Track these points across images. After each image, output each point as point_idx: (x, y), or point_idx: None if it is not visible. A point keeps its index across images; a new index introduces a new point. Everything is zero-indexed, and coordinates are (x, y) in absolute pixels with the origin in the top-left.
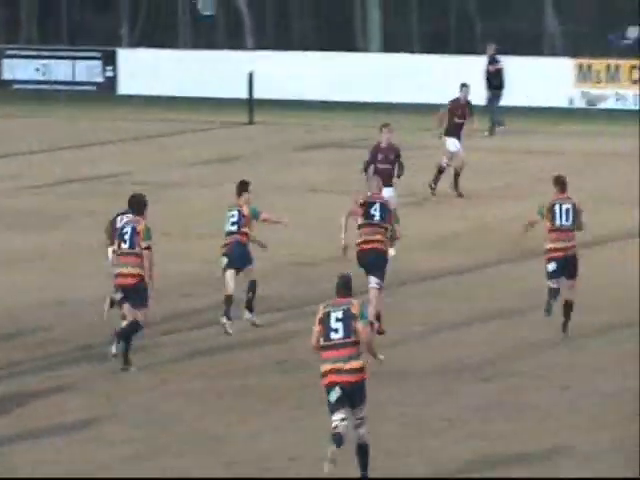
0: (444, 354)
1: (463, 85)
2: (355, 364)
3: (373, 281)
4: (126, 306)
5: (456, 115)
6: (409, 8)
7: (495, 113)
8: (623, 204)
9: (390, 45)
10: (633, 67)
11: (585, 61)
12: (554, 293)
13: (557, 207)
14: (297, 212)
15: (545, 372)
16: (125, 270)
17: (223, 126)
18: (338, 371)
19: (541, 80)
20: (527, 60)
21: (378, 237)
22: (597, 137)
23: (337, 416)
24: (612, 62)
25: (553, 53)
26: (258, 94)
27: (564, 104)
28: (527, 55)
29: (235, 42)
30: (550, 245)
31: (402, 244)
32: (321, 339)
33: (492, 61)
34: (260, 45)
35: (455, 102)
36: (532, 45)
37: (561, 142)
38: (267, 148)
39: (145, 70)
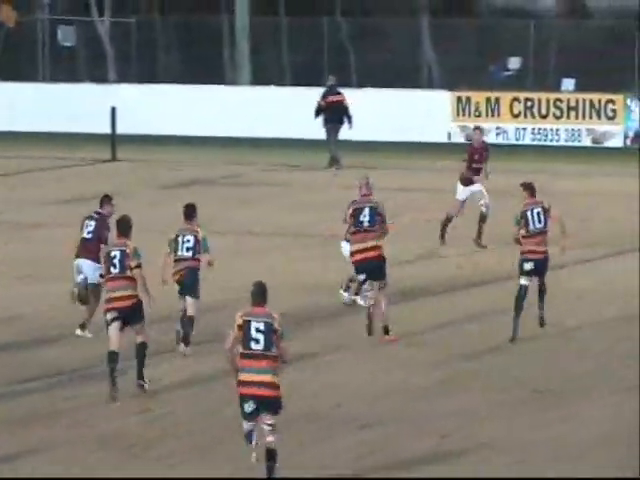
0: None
1: (476, 127)
2: (272, 378)
3: (376, 285)
4: (116, 329)
5: (474, 160)
6: (279, 39)
7: (332, 148)
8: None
9: (260, 78)
10: (515, 100)
11: (464, 93)
12: (524, 291)
13: (529, 212)
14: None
15: (424, 419)
16: (119, 294)
17: (84, 163)
18: (254, 383)
19: (418, 114)
20: (403, 93)
21: (370, 244)
22: None
23: (248, 425)
24: (492, 94)
25: (430, 85)
26: (121, 129)
27: (442, 139)
28: (404, 88)
29: (97, 74)
30: (528, 248)
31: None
32: (239, 346)
33: (330, 92)
34: (123, 78)
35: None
36: (409, 77)
37: (439, 179)
38: (131, 186)
39: (2, 105)
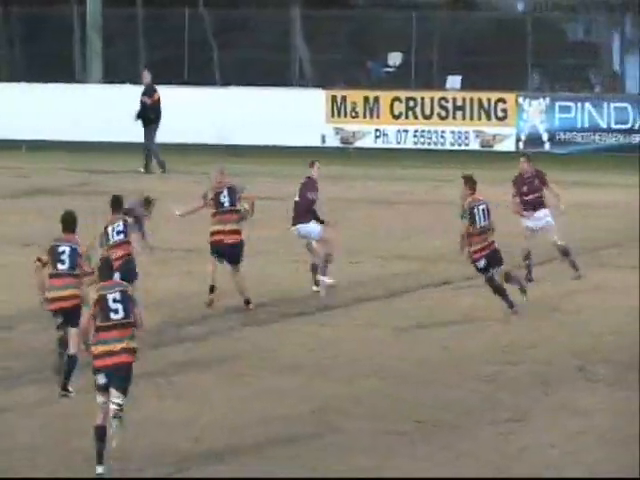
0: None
1: (523, 154)
2: (131, 344)
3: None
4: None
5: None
6: (135, 32)
7: (154, 150)
8: (381, 257)
9: (113, 75)
10: (395, 99)
11: (339, 92)
12: (492, 278)
13: (475, 209)
14: (2, 269)
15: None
16: (64, 293)
17: None
18: (111, 353)
19: (290, 114)
20: (273, 91)
21: (229, 227)
22: (353, 181)
23: (100, 399)
24: (371, 93)
25: (303, 84)
26: None
27: (316, 142)
28: (273, 86)
29: None
30: (475, 247)
31: None
32: (97, 320)
33: (149, 91)
34: None
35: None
36: (279, 75)
37: None
38: None
39: None
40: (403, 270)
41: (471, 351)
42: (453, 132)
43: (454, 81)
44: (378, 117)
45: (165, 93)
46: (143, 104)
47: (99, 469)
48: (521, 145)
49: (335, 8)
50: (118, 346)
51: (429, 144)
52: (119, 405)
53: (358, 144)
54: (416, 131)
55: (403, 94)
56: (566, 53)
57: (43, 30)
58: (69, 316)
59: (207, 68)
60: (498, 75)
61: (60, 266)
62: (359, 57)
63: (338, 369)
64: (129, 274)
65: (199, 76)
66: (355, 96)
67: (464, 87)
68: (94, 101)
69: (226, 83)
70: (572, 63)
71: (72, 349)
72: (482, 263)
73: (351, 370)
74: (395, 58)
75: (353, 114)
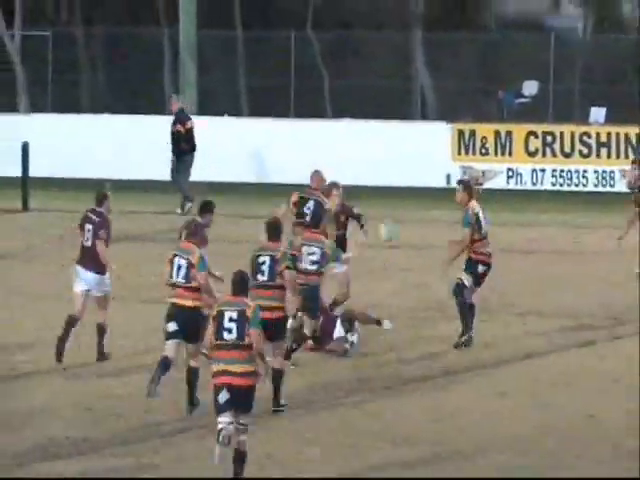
0: None
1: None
2: (245, 368)
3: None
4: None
5: None
6: (233, 59)
7: (182, 186)
8: None
9: (208, 107)
10: (531, 134)
11: (466, 126)
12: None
13: (480, 214)
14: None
15: None
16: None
17: None
18: (228, 372)
19: (409, 151)
20: (390, 125)
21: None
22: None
23: (223, 418)
24: (502, 127)
25: (424, 116)
26: (35, 171)
27: (440, 183)
28: (390, 119)
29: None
30: (482, 250)
31: None
32: (213, 338)
33: (181, 119)
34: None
35: None
36: (396, 106)
37: (435, 232)
38: (44, 243)
39: None
40: (540, 329)
41: (620, 421)
42: (597, 172)
43: (598, 113)
44: (511, 154)
45: (268, 127)
46: (175, 134)
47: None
48: None
49: (462, 30)
50: (233, 368)
51: (569, 185)
52: (243, 425)
53: (488, 185)
54: (554, 170)
55: (539, 128)
56: None
57: (130, 54)
58: (274, 329)
59: (316, 98)
60: None
61: (260, 277)
62: (489, 86)
63: (463, 442)
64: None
65: (307, 107)
66: (485, 130)
67: (609, 120)
68: None
69: (338, 115)
70: None
71: (276, 364)
72: (482, 268)
73: (480, 444)
74: (531, 87)
75: (482, 151)
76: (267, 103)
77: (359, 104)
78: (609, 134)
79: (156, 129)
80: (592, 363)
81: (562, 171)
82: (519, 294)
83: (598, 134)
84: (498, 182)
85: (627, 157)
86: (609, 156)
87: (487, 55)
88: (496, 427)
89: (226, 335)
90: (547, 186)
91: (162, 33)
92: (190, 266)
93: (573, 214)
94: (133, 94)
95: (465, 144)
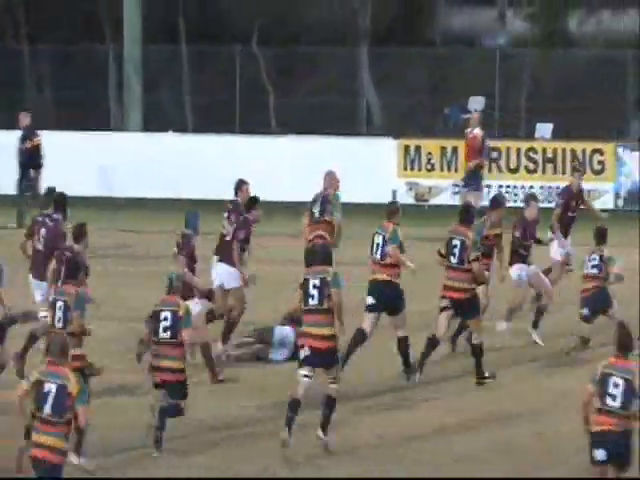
0: None
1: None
2: (326, 331)
3: None
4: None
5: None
6: (179, 75)
7: (22, 200)
8: None
9: (153, 123)
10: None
11: (412, 142)
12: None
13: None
14: None
15: None
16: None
17: None
18: (311, 335)
19: (355, 167)
20: (336, 141)
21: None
22: (429, 243)
23: (303, 371)
24: (448, 143)
25: (370, 132)
26: None
27: (385, 199)
28: (335, 135)
29: None
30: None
31: None
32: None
33: (29, 135)
34: None
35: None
36: (342, 122)
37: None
38: None
39: None
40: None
41: (569, 438)
42: (542, 187)
43: (544, 129)
44: (457, 170)
45: (213, 142)
46: (22, 151)
47: (283, 434)
48: (620, 203)
49: (409, 46)
50: (316, 331)
51: (515, 201)
52: (333, 378)
53: (434, 201)
54: (500, 186)
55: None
56: None
57: (75, 71)
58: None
59: (261, 114)
60: (595, 122)
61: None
62: (435, 101)
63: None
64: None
65: (252, 123)
66: (431, 146)
67: (555, 136)
68: (132, 152)
69: (283, 131)
70: None
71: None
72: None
73: (434, 460)
74: (477, 103)
75: (428, 167)
76: (212, 119)
77: (304, 120)
78: (555, 150)
79: (100, 146)
80: (541, 381)
81: (508, 187)
82: None
83: (544, 150)
84: (444, 198)
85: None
86: (555, 172)
87: (433, 70)
88: (451, 444)
89: (310, 301)
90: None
91: (107, 49)
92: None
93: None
94: (79, 111)
95: (411, 160)
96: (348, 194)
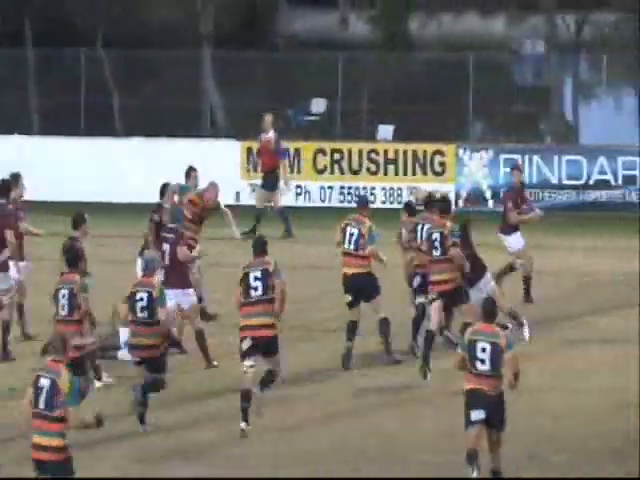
0: None
1: (514, 168)
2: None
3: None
4: None
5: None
6: (24, 78)
7: None
8: None
9: None
10: (319, 151)
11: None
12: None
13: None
14: None
15: None
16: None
17: None
18: (252, 326)
19: (199, 169)
20: (181, 143)
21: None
22: (270, 245)
23: (248, 362)
24: (291, 145)
25: (214, 134)
26: None
27: (229, 200)
28: (180, 137)
29: None
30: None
31: None
32: (241, 297)
33: None
34: None
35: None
36: (186, 124)
37: (230, 249)
38: None
39: None
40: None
41: (412, 437)
42: (384, 189)
43: (386, 131)
44: (299, 172)
45: (58, 145)
46: None
47: (242, 425)
48: (461, 203)
49: (251, 49)
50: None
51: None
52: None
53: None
54: (342, 187)
55: (328, 145)
56: (512, 99)
57: None
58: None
59: (106, 116)
60: (435, 124)
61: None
62: (278, 104)
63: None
64: None
65: (97, 126)
66: None
67: (397, 138)
68: None
69: (128, 133)
70: (519, 110)
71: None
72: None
73: (277, 460)
74: (319, 105)
75: None
76: (58, 122)
77: (150, 122)
78: (397, 151)
79: None
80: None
81: (350, 188)
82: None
83: (386, 151)
84: (287, 199)
85: (415, 174)
86: (397, 173)
87: (276, 73)
88: (293, 442)
89: (252, 293)
90: (335, 203)
91: None
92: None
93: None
94: None
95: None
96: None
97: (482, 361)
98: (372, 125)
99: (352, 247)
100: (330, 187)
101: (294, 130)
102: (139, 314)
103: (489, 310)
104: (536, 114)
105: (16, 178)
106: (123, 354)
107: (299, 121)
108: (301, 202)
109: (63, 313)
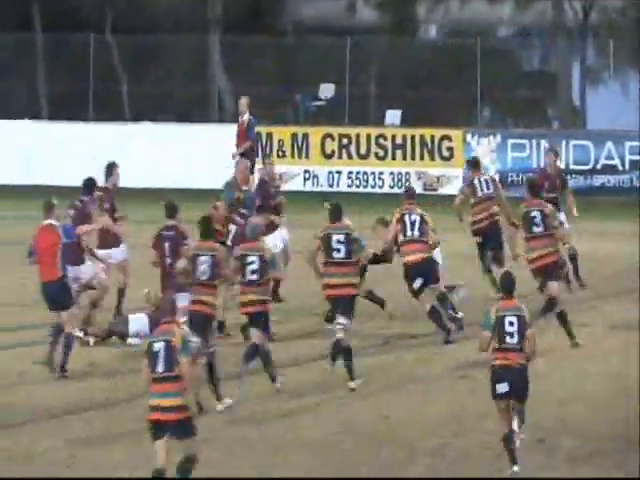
0: None
1: (550, 150)
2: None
3: None
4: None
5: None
6: (33, 62)
7: None
8: None
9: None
10: (327, 136)
11: (264, 129)
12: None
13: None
14: None
15: None
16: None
17: None
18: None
19: (207, 154)
20: (188, 128)
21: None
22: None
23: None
24: (299, 130)
25: (222, 119)
26: None
27: None
28: (188, 122)
29: None
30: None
31: None
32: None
33: None
34: None
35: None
36: (195, 109)
37: None
38: None
39: None
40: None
41: (416, 423)
42: (392, 174)
43: (393, 116)
44: (308, 157)
45: (67, 130)
46: None
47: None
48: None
49: (259, 34)
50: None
51: (365, 187)
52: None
53: (285, 187)
54: (350, 172)
55: (336, 131)
56: (520, 84)
57: None
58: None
59: (115, 102)
60: (443, 109)
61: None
62: (286, 89)
63: (264, 444)
64: None
65: (106, 111)
66: (282, 133)
67: (405, 123)
68: None
69: (136, 118)
70: (527, 95)
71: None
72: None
73: (281, 446)
74: (327, 90)
75: (280, 153)
76: (66, 106)
77: (158, 107)
78: (404, 136)
79: None
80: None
81: (358, 173)
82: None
83: (394, 136)
84: (295, 184)
85: (422, 159)
86: (404, 158)
87: (284, 59)
88: (296, 429)
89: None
90: (343, 188)
91: None
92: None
93: (367, 215)
94: None
95: (262, 147)
96: (199, 180)
97: (511, 335)
98: (380, 110)
99: (417, 234)
100: (338, 172)
101: (302, 116)
102: (249, 276)
103: (508, 286)
104: (543, 99)
105: (111, 167)
106: (133, 341)
107: (307, 107)
108: (309, 187)
109: (203, 278)
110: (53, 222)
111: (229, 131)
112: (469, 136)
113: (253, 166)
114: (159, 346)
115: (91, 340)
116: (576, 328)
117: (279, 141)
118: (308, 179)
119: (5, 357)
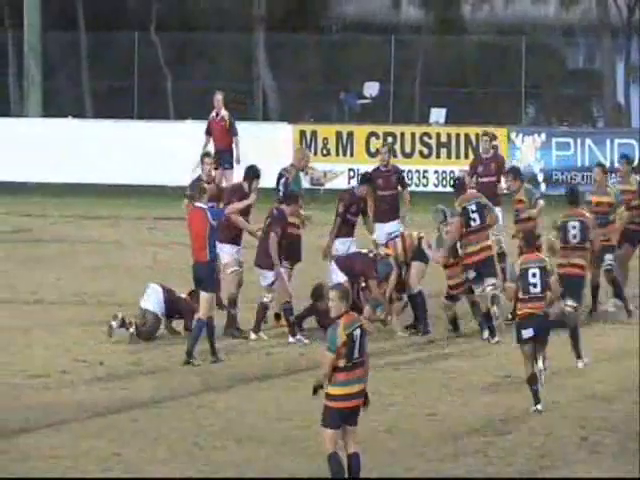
0: None
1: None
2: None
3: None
4: None
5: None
6: (78, 61)
7: None
8: None
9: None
10: (372, 135)
11: (308, 127)
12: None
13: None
14: None
15: None
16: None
17: None
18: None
19: (252, 153)
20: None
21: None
22: (324, 228)
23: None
24: (344, 128)
25: (266, 118)
26: None
27: None
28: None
29: None
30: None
31: None
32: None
33: None
34: None
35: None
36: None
37: None
38: None
39: None
40: None
41: (461, 419)
42: (437, 172)
43: (438, 114)
44: (352, 155)
45: (111, 128)
46: None
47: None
48: None
49: (304, 32)
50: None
51: (409, 185)
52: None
53: (330, 186)
54: None
55: (380, 129)
56: (565, 82)
57: None
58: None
59: (159, 100)
60: (488, 107)
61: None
62: (331, 87)
63: (307, 441)
64: None
65: (150, 109)
66: (326, 131)
67: (449, 121)
68: (32, 137)
69: (181, 117)
70: (571, 94)
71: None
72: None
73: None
74: (371, 88)
75: (324, 152)
76: (111, 105)
77: (202, 106)
78: (449, 134)
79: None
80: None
81: (402, 171)
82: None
83: (438, 134)
84: (340, 182)
85: (467, 157)
86: (449, 156)
87: (329, 56)
88: None
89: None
90: None
91: (6, 36)
92: None
93: (414, 214)
94: None
95: (307, 145)
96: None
97: (534, 285)
98: (424, 108)
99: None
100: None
101: (347, 114)
102: (572, 240)
103: (531, 240)
104: (588, 97)
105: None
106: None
107: (352, 105)
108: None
109: (574, 241)
110: (202, 205)
111: (273, 130)
112: (514, 134)
113: (231, 164)
114: (357, 332)
115: (252, 335)
116: (617, 326)
117: (324, 139)
118: (353, 177)
119: (48, 355)
